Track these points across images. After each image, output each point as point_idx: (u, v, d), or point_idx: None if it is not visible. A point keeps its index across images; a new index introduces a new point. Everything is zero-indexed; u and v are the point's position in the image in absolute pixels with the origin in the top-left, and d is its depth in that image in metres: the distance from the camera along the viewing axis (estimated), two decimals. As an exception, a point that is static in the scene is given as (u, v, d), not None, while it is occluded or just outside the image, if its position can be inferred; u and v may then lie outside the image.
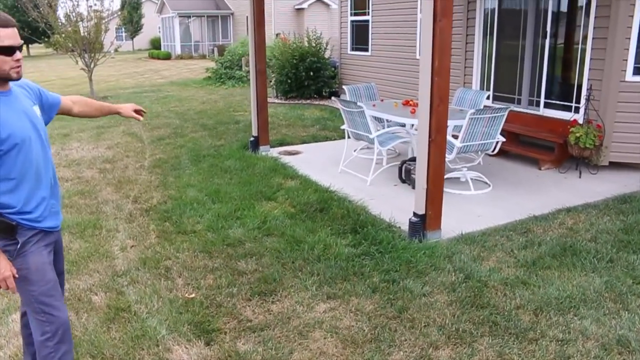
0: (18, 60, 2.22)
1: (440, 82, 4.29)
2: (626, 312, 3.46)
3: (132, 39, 41.91)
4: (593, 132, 6.34)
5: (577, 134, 6.38)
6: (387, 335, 3.22)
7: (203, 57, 32.43)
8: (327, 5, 29.99)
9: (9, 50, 2.18)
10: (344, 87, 7.86)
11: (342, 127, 6.83)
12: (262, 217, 5.17)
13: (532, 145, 7.37)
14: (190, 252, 4.48)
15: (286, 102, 13.54)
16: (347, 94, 7.78)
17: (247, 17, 30.95)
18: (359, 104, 6.18)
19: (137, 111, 2.95)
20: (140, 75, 22.01)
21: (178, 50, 32.51)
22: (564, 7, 7.23)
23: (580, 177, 6.49)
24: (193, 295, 3.75)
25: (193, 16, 32.92)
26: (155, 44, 37.02)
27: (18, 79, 2.27)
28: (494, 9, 8.07)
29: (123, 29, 39.13)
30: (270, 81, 14.06)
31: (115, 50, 17.50)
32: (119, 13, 32.82)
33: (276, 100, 13.63)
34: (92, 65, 14.56)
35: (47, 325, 2.40)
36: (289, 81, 13.51)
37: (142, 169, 7.18)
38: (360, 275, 4.00)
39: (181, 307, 3.58)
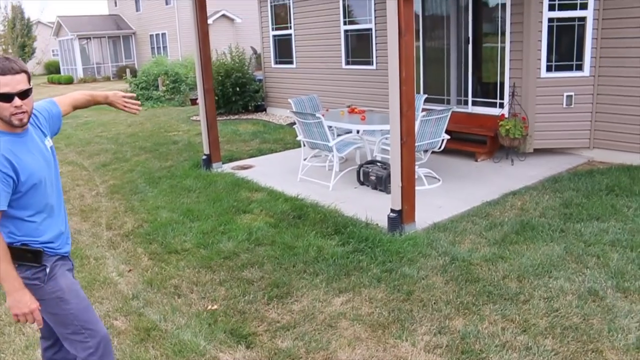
0: (17, 107, 2.21)
1: (407, 89, 4.82)
2: (588, 270, 4.15)
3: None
4: (520, 124, 7.21)
5: (507, 127, 7.23)
6: (406, 315, 3.66)
7: (107, 79, 31.34)
8: (232, 20, 30.12)
9: (5, 98, 2.18)
10: (290, 100, 8.25)
11: (298, 138, 7.21)
12: (246, 229, 5.43)
13: (464, 140, 8.17)
14: (190, 269, 4.66)
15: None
16: (292, 105, 8.18)
17: (151, 35, 30.37)
18: (317, 114, 6.60)
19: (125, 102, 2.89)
20: (46, 102, 20.91)
21: (80, 74, 31.16)
22: (482, 15, 8.12)
23: (512, 164, 7.34)
24: (215, 306, 3.97)
25: (93, 37, 31.71)
26: (51, 68, 35.08)
27: (20, 126, 2.26)
28: (419, 15, 8.81)
29: (12, 55, 36.57)
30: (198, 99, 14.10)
31: None
32: (12, 36, 30.81)
33: (205, 118, 13.69)
34: None
35: (89, 340, 2.49)
36: (217, 98, 13.61)
37: (99, 196, 7.12)
38: (360, 269, 4.41)
39: (209, 319, 3.80)
